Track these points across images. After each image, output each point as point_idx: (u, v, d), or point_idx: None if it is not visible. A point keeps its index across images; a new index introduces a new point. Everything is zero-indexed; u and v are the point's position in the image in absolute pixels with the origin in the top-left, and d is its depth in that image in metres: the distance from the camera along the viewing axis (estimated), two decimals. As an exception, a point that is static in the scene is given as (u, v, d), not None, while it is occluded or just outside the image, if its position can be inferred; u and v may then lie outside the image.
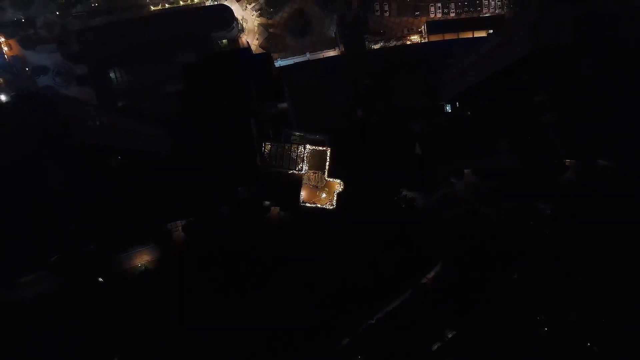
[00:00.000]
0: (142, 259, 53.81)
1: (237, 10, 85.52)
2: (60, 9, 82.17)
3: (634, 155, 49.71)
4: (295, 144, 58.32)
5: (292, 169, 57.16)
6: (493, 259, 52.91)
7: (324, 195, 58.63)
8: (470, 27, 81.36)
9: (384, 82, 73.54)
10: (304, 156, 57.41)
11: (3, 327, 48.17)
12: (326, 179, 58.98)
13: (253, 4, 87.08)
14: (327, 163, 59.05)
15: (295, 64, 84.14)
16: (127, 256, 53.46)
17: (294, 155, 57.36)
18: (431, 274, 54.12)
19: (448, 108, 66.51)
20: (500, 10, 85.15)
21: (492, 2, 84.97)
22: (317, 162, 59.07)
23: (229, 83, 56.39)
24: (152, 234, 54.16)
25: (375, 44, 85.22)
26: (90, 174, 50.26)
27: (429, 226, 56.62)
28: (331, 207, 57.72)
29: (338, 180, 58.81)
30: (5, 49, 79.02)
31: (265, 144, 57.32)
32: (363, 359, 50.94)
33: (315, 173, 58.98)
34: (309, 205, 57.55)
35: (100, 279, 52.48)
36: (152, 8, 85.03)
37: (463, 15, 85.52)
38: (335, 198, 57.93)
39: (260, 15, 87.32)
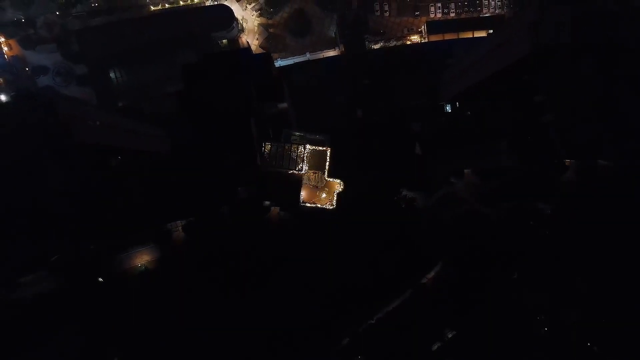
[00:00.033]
0: (142, 259, 53.82)
1: (237, 10, 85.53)
2: (60, 9, 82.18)
3: (634, 155, 49.71)
4: (295, 144, 58.33)
5: (292, 169, 57.17)
6: (493, 259, 52.91)
7: (324, 195, 58.64)
8: (470, 27, 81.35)
9: (384, 82, 73.53)
10: (304, 156, 57.42)
11: (3, 327, 48.17)
12: (326, 179, 58.99)
13: (253, 4, 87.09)
14: (327, 163, 59.06)
15: (295, 64, 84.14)
16: (127, 256, 53.47)
17: (294, 155, 57.37)
18: (431, 274, 54.11)
19: (448, 108, 66.50)
20: (500, 10, 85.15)
21: (492, 2, 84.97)
22: (317, 162, 59.09)
23: (229, 83, 56.40)
24: (152, 234, 54.16)
25: (375, 44, 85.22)
26: (90, 174, 50.24)
27: (429, 226, 56.62)
28: (331, 207, 57.72)
29: (338, 180, 58.82)
30: (5, 49, 79.03)
31: (265, 144, 57.33)
32: (363, 359, 50.94)
33: (315, 173, 58.99)
34: (309, 205, 57.56)
35: (100, 279, 52.49)
36: (152, 8, 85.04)
37: (463, 15, 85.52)
38: (335, 198, 57.94)
39: (260, 15, 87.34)
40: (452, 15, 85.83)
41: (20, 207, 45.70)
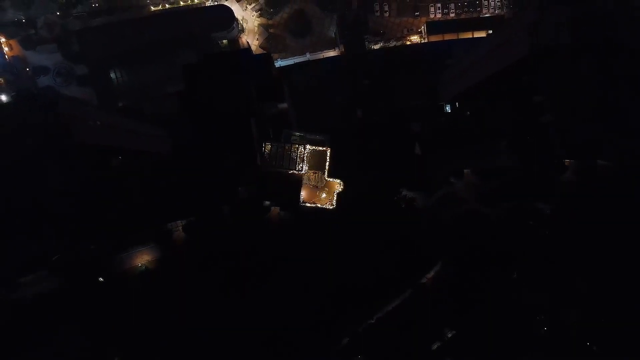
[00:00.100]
0: (143, 258, 53.88)
1: (237, 11, 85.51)
2: (60, 10, 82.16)
3: (634, 155, 49.77)
4: (295, 144, 58.41)
5: (292, 169, 57.24)
6: (493, 259, 52.94)
7: (324, 195, 58.69)
8: (470, 27, 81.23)
9: (383, 82, 73.50)
10: (304, 156, 57.49)
11: (3, 327, 48.21)
12: (326, 179, 59.05)
13: (253, 4, 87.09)
14: (327, 163, 59.13)
15: (295, 64, 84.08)
16: (128, 256, 53.53)
17: (294, 155, 57.43)
18: (431, 274, 54.15)
19: (448, 108, 66.52)
20: (500, 10, 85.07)
21: (492, 3, 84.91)
22: (317, 162, 59.16)
23: (229, 83, 56.50)
24: (153, 234, 54.24)
25: (375, 44, 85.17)
26: (90, 174, 50.32)
27: (429, 226, 56.65)
28: (331, 207, 57.77)
29: (338, 180, 58.90)
30: (6, 49, 79.02)
31: (265, 144, 57.40)
32: (363, 358, 50.97)
33: (315, 173, 59.06)
34: (309, 205, 57.61)
35: (101, 279, 52.54)
36: (153, 8, 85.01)
37: (463, 16, 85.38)
38: (335, 198, 57.99)
39: (260, 15, 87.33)
40: (452, 15, 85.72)
41: (21, 207, 45.81)
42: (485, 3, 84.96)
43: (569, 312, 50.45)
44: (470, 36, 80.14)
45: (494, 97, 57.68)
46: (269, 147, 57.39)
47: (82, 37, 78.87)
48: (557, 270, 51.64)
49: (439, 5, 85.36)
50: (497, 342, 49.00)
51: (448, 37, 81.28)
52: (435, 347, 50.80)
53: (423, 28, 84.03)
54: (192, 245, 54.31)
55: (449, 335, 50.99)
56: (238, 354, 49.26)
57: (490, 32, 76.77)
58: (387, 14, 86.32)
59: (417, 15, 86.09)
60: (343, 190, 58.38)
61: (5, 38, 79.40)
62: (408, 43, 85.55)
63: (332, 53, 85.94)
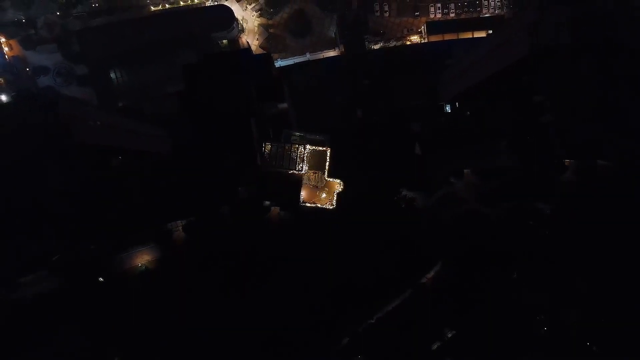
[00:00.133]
0: (143, 258, 53.89)
1: (237, 11, 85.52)
2: (60, 10, 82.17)
3: (634, 155, 49.77)
4: (295, 144, 58.41)
5: (292, 169, 57.25)
6: (493, 259, 52.94)
7: (324, 195, 58.69)
8: (470, 27, 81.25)
9: (383, 82, 73.50)
10: (304, 156, 57.50)
11: (3, 327, 48.21)
12: (326, 179, 59.05)
13: (253, 4, 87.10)
14: (327, 163, 59.13)
15: (295, 64, 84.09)
16: (128, 256, 53.53)
17: (294, 155, 57.44)
18: (431, 274, 54.15)
19: (448, 108, 66.52)
20: (500, 10, 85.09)
21: (492, 3, 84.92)
22: (317, 162, 59.16)
23: (229, 83, 56.51)
24: (153, 234, 54.23)
25: (375, 44, 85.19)
26: (90, 174, 50.32)
27: (429, 226, 56.64)
28: (331, 207, 57.77)
29: (338, 180, 58.89)
30: (6, 49, 79.02)
31: (265, 144, 57.41)
32: (363, 358, 50.97)
33: (315, 173, 59.06)
34: (309, 205, 57.61)
35: (101, 279, 52.54)
36: (153, 8, 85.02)
37: (463, 16, 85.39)
38: (335, 198, 57.99)
39: (260, 15, 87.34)
40: (452, 15, 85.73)
41: (21, 207, 45.79)
42: (485, 3, 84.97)
43: (569, 312, 50.45)
44: (470, 36, 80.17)
45: (494, 97, 57.68)
46: (269, 147, 57.40)
47: (82, 37, 78.89)
48: (557, 270, 51.64)
49: (439, 5, 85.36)
50: (497, 342, 49.00)
51: (448, 37, 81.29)
52: (435, 347, 50.80)
53: (423, 28, 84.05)
54: (192, 245, 54.31)
55: (449, 335, 50.99)
56: (238, 354, 49.25)
57: (490, 32, 76.78)
58: (387, 14, 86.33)
59: (417, 15, 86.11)
60: (343, 190, 58.37)
61: (5, 38, 79.42)
62: (408, 43, 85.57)
63: (332, 53, 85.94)
